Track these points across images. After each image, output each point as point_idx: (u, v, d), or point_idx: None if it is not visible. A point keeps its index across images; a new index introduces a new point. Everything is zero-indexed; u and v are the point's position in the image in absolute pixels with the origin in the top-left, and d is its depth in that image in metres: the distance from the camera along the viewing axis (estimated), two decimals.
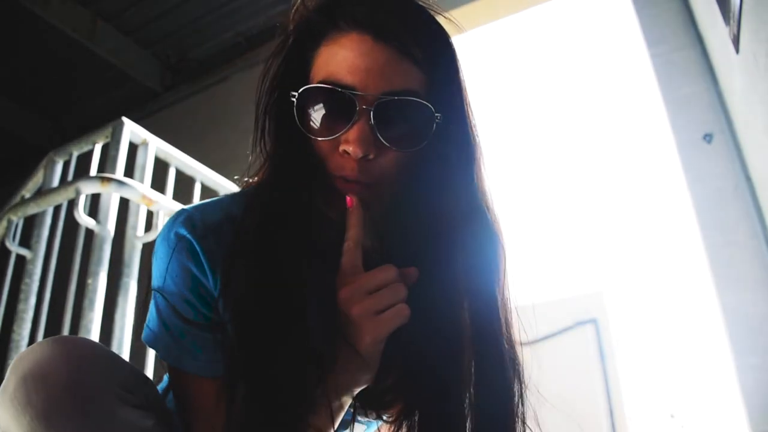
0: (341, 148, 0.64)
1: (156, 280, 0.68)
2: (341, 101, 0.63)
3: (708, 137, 2.32)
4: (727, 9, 1.70)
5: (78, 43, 3.74)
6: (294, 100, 0.66)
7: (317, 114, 0.65)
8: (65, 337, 0.60)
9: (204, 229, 0.67)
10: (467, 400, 0.67)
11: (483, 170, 0.71)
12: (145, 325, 0.70)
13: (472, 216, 0.69)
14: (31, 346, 0.59)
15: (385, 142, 0.64)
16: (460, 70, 0.70)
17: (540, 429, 0.71)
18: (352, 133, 0.63)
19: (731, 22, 1.67)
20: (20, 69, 4.14)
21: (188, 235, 0.67)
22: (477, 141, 0.71)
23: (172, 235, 0.67)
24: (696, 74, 2.42)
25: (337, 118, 0.64)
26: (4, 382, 0.57)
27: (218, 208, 0.71)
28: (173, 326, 0.67)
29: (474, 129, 0.71)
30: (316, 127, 0.65)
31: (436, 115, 0.65)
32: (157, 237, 0.70)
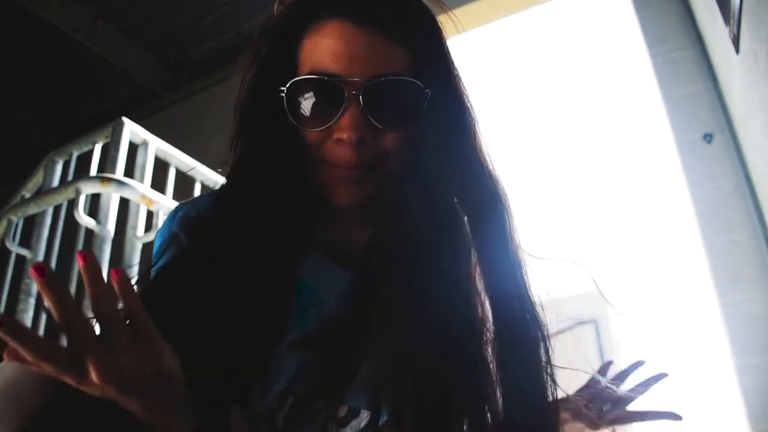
0: (335, 136, 0.65)
1: (153, 272, 0.70)
2: (329, 90, 0.63)
3: (708, 137, 2.32)
4: (727, 9, 1.70)
5: (78, 43, 3.73)
6: (283, 95, 0.66)
7: (307, 105, 0.65)
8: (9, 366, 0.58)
9: (198, 226, 0.70)
10: (495, 383, 0.67)
11: (481, 138, 0.72)
12: None
13: (477, 185, 0.69)
14: (3, 363, 0.56)
15: (378, 125, 0.64)
16: (444, 43, 0.71)
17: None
18: (345, 120, 0.63)
19: (731, 22, 1.67)
20: (20, 69, 4.14)
21: (182, 234, 0.69)
22: (471, 111, 0.71)
23: (168, 231, 0.71)
24: (696, 74, 2.42)
25: (327, 108, 0.64)
26: None
27: (213, 202, 0.73)
28: None
29: (466, 100, 0.71)
30: (307, 118, 0.66)
31: (426, 91, 0.65)
32: (164, 221, 0.74)
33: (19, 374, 0.55)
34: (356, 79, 0.63)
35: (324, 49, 0.64)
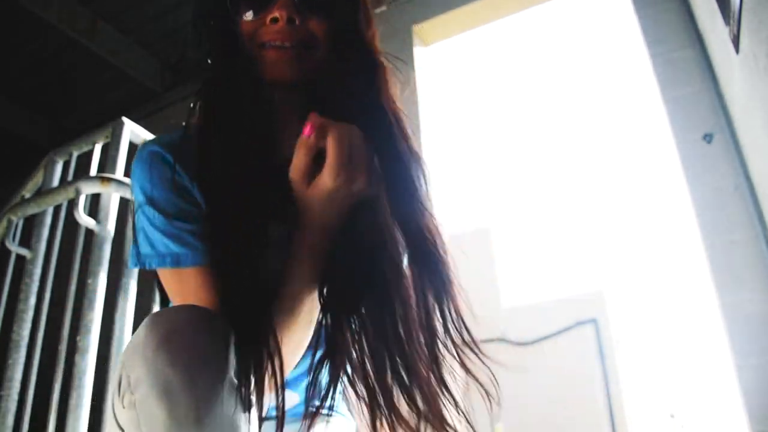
0: (269, 17, 0.75)
1: (142, 195, 0.75)
2: None
3: (708, 137, 2.32)
4: (727, 9, 1.70)
5: (78, 43, 3.73)
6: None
7: (246, 2, 0.77)
8: (198, 306, 0.63)
9: (169, 146, 0.78)
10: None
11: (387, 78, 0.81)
12: (132, 256, 0.75)
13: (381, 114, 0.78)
14: (165, 309, 0.63)
15: (306, 11, 0.76)
16: None
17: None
18: (278, 5, 0.75)
19: (731, 22, 1.67)
20: (20, 69, 4.14)
21: (159, 150, 0.77)
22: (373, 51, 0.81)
23: (145, 154, 0.77)
24: (696, 74, 2.42)
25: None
26: (139, 340, 0.58)
27: (174, 135, 0.81)
28: (168, 229, 0.72)
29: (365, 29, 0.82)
30: (247, 13, 0.77)
31: None
32: (133, 165, 0.79)
33: (187, 319, 0.60)
34: None
35: None
